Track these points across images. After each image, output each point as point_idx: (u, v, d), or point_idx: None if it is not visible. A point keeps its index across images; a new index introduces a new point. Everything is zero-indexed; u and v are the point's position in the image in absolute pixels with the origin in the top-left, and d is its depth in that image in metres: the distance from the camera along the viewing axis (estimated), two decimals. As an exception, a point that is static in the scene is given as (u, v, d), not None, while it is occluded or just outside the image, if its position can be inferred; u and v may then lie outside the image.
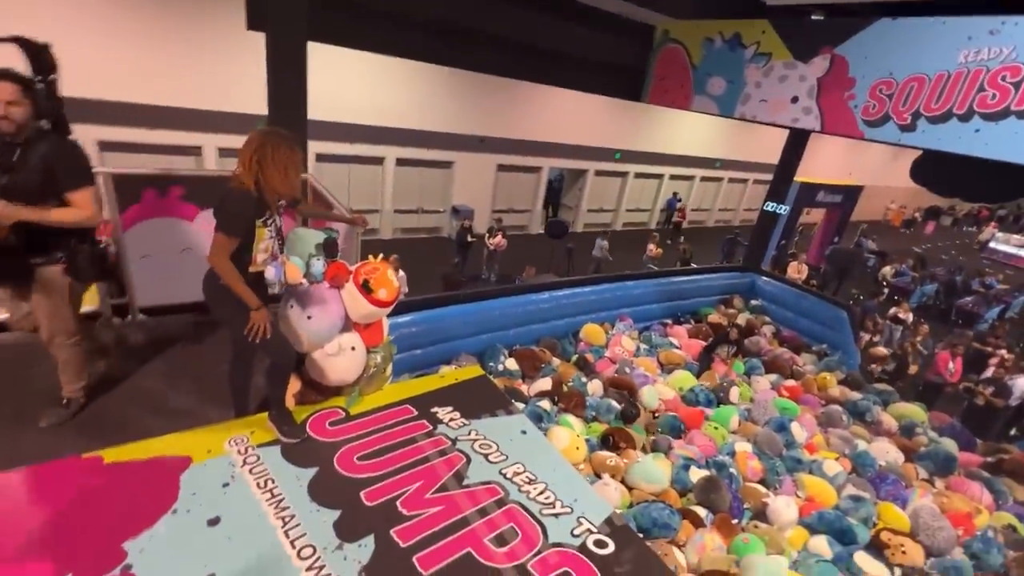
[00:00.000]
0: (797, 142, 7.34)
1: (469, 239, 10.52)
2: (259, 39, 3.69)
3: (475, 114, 12.54)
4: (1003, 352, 8.03)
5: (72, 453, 2.04)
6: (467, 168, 13.09)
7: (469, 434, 2.53)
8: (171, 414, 2.48)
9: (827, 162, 19.39)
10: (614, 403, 4.64)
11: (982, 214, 26.73)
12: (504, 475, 2.30)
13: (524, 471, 2.34)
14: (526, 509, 2.13)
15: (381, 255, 2.63)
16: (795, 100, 4.86)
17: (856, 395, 5.76)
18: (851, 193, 13.88)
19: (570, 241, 11.68)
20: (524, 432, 2.62)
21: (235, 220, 1.96)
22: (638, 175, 16.90)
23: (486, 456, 2.39)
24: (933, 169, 5.47)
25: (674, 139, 16.90)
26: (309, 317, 2.38)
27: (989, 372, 7.26)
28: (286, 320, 2.41)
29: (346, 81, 10.37)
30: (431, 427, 2.54)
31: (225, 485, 2.03)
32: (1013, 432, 6.71)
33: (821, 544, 3.61)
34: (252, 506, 1.95)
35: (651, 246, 11.91)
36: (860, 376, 6.35)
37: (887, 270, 13.05)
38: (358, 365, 2.57)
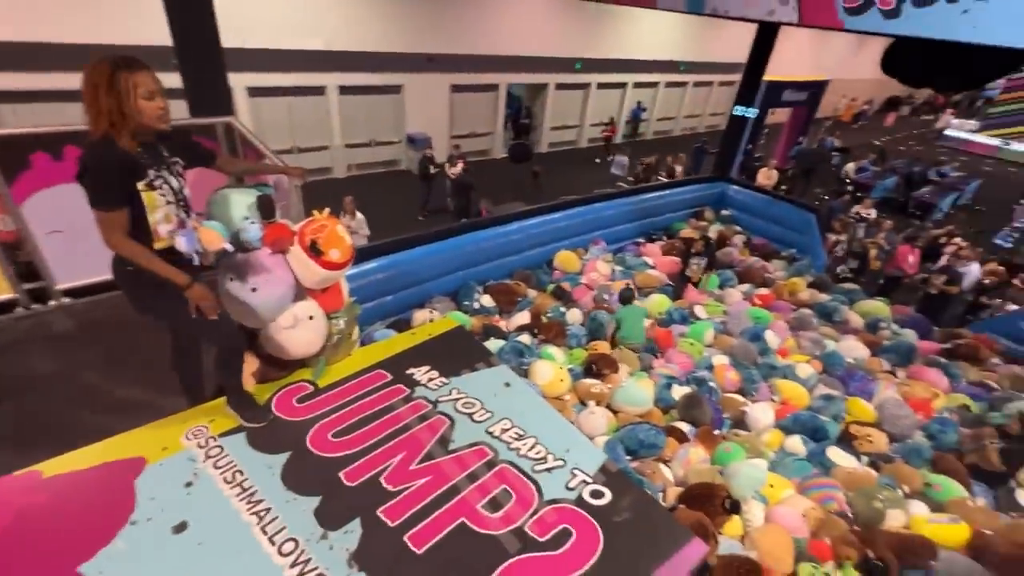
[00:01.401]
0: (766, 38, 6.88)
1: (432, 170, 9.91)
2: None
3: (420, 29, 11.34)
4: (958, 240, 8.34)
5: (2, 472, 1.81)
6: (418, 91, 12.07)
7: (450, 394, 2.39)
8: (116, 410, 2.25)
9: (790, 57, 18.72)
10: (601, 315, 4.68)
11: (939, 101, 26.85)
12: (491, 434, 2.20)
13: (512, 427, 2.24)
14: (518, 467, 2.06)
15: (327, 209, 2.30)
16: (770, -11, 4.42)
17: (825, 297, 5.92)
18: (816, 89, 13.54)
19: (536, 164, 11.19)
20: (508, 384, 2.50)
21: (105, 186, 1.60)
22: (601, 85, 16.01)
23: (470, 416, 2.28)
24: (906, 58, 5.22)
25: (636, 43, 15.87)
26: (254, 289, 2.10)
27: (943, 261, 7.54)
28: (227, 296, 2.12)
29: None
30: (408, 391, 2.38)
31: (188, 485, 1.85)
32: (964, 314, 7.10)
33: (796, 443, 3.79)
34: (221, 504, 1.79)
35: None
36: (827, 278, 6.50)
37: (850, 167, 13.11)
38: (320, 334, 2.35)
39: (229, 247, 1.97)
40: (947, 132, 20.59)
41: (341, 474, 1.95)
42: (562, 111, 15.59)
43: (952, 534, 3.03)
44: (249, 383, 2.27)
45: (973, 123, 20.94)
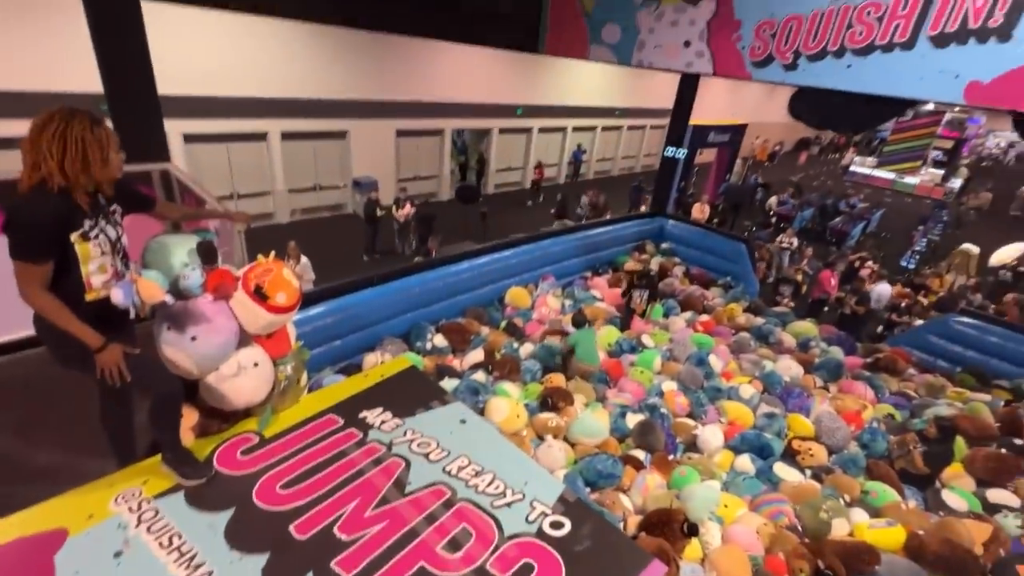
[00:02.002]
0: (689, 86, 7.56)
1: (378, 212, 9.91)
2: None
3: (366, 77, 11.56)
4: (870, 263, 9.21)
5: None
6: (364, 136, 12.17)
7: (405, 434, 2.34)
8: (34, 478, 2.04)
9: (711, 103, 20.51)
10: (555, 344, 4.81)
11: (841, 141, 30.03)
12: (448, 472, 2.16)
13: (469, 463, 2.22)
14: (476, 504, 2.03)
15: (273, 253, 2.27)
16: (687, 44, 4.92)
17: (759, 320, 6.31)
18: (737, 132, 14.83)
19: (483, 205, 11.45)
20: (463, 421, 2.49)
21: (34, 239, 1.53)
22: (542, 130, 16.80)
23: (426, 456, 2.24)
24: (809, 104, 5.89)
25: (573, 90, 16.89)
26: (193, 338, 2.01)
27: (867, 284, 8.27)
28: (165, 346, 2.02)
29: (209, 47, 9.03)
30: (361, 435, 2.32)
31: (117, 555, 1.69)
32: (881, 330, 7.77)
33: (745, 462, 3.94)
34: (156, 572, 1.65)
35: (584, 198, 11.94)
36: (761, 302, 6.96)
37: (772, 201, 14.29)
38: (265, 381, 2.26)
39: (169, 299, 1.90)
40: (852, 168, 22.96)
41: (291, 527, 1.85)
42: (506, 154, 16.15)
43: (891, 537, 3.22)
44: (188, 438, 2.14)
45: (872, 160, 23.52)
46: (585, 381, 4.54)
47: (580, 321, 4.97)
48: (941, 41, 3.77)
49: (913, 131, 21.05)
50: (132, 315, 1.76)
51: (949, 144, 21.94)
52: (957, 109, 19.58)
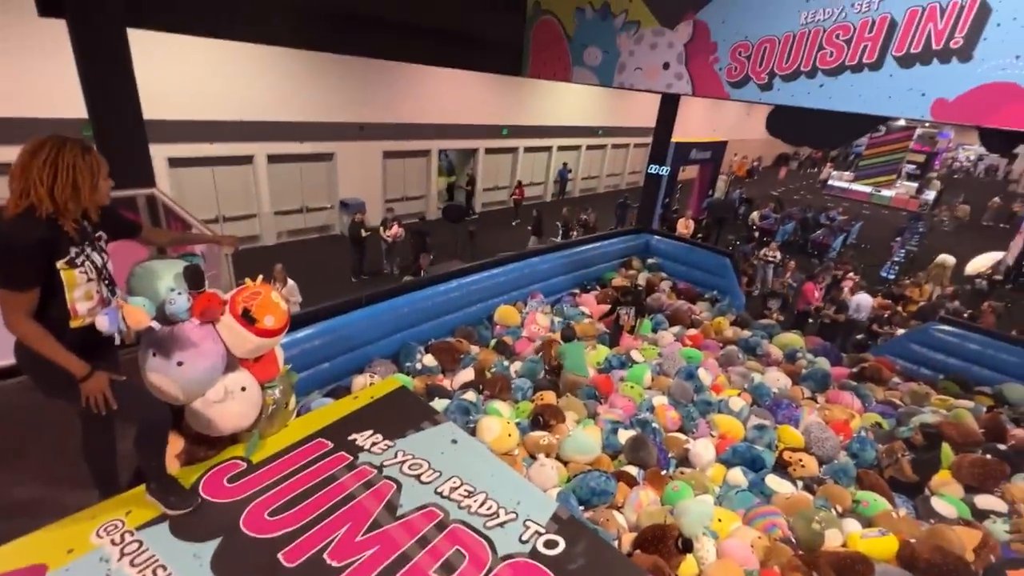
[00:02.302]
0: (670, 105, 7.76)
1: (363, 233, 9.91)
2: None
3: (352, 100, 11.69)
4: (852, 275, 9.40)
5: None
6: (350, 158, 12.24)
7: (396, 456, 2.32)
8: (11, 512, 1.97)
9: (693, 121, 21.05)
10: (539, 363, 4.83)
11: (818, 156, 30.91)
12: (441, 494, 2.14)
13: (461, 484, 2.20)
14: (469, 526, 2.00)
15: (260, 277, 2.27)
16: (667, 66, 5.08)
17: (746, 333, 6.38)
18: (718, 148, 15.20)
19: (471, 224, 11.51)
20: (455, 441, 2.47)
21: (20, 266, 1.52)
22: (528, 149, 17.04)
23: (418, 477, 2.21)
24: (785, 121, 6.10)
25: (557, 111, 17.22)
26: (180, 364, 1.98)
27: (845, 294, 8.44)
28: (151, 372, 1.99)
29: (194, 71, 9.08)
30: (351, 458, 2.29)
31: (99, 590, 1.64)
32: (861, 337, 7.91)
33: (737, 475, 3.94)
34: (140, 607, 1.60)
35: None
36: (747, 315, 7.05)
37: (755, 215, 14.59)
38: (253, 406, 2.23)
39: (156, 325, 1.88)
40: (830, 182, 23.59)
41: (280, 555, 1.81)
42: (493, 173, 16.34)
43: (883, 546, 3.22)
44: (173, 466, 2.09)
45: (849, 174, 24.20)
46: (575, 396, 4.54)
47: (569, 335, 4.99)
48: (907, 62, 3.94)
49: (886, 146, 21.78)
50: (117, 341, 1.74)
51: (921, 158, 22.69)
52: (927, 124, 20.34)
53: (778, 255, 10.06)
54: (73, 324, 1.67)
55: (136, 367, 1.99)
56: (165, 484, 1.94)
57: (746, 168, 25.55)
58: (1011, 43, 3.53)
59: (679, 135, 9.15)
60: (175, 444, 2.14)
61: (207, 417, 2.13)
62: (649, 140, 8.50)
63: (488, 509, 2.09)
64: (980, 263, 10.90)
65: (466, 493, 2.16)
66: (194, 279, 2.07)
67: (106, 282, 1.78)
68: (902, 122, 19.48)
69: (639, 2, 5.12)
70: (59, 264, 1.59)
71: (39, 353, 1.57)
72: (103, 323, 1.69)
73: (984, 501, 3.81)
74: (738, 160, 25.34)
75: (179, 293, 2.01)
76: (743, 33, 4.51)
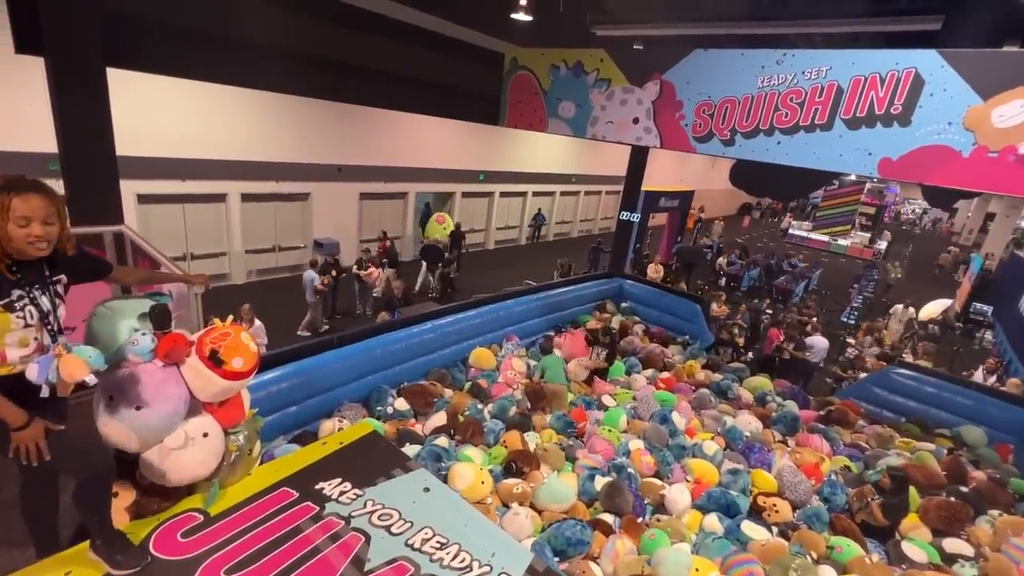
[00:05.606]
0: (639, 157, 8.15)
1: (334, 273, 9.79)
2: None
3: (330, 142, 11.84)
4: (814, 319, 9.75)
5: None
6: (326, 199, 12.27)
7: (365, 506, 2.21)
8: (-69, 577, 1.78)
9: (661, 171, 22.07)
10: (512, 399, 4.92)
11: (778, 207, 32.66)
12: (411, 546, 2.04)
13: (433, 535, 2.11)
14: (441, 581, 1.91)
15: (230, 318, 2.21)
16: (636, 121, 5.37)
17: (718, 376, 6.48)
18: (685, 198, 15.91)
19: (447, 265, 11.54)
20: (427, 489, 2.38)
21: None
22: (503, 194, 17.46)
23: (388, 528, 2.11)
24: (747, 174, 6.48)
25: (532, 158, 17.82)
26: (138, 408, 1.88)
27: (809, 337, 8.73)
28: (104, 418, 1.88)
29: (168, 109, 9.08)
30: (318, 508, 2.17)
31: (27, 664, 1.48)
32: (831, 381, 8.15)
33: (713, 522, 3.90)
34: None
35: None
36: (718, 359, 7.18)
37: (722, 260, 15.16)
38: (214, 454, 2.11)
39: (91, 379, 1.74)
40: (790, 231, 24.85)
41: (236, 618, 1.68)
42: (469, 216, 16.60)
43: (859, 594, 3.21)
44: (122, 519, 1.94)
45: (808, 224, 25.59)
46: (556, 410, 4.82)
47: (548, 348, 5.52)
48: (854, 124, 4.29)
49: (840, 198, 23.27)
50: (45, 393, 1.60)
51: (872, 210, 24.24)
52: (875, 180, 21.89)
53: (726, 309, 9.91)
54: (1, 372, 1.58)
55: (90, 411, 1.88)
56: (111, 540, 1.79)
57: (694, 220, 26.61)
58: (943, 111, 3.91)
59: (649, 184, 9.56)
60: (125, 496, 2.00)
61: (161, 468, 2.00)
62: (620, 188, 8.85)
63: (461, 561, 2.00)
64: (932, 309, 11.48)
65: (438, 545, 2.06)
66: (160, 319, 2.00)
67: (49, 328, 1.69)
68: (853, 177, 20.91)
69: (609, 61, 5.47)
70: None
71: None
72: (32, 371, 1.58)
73: (952, 545, 3.86)
74: (692, 213, 26.46)
75: (143, 333, 1.93)
76: (706, 93, 4.85)
